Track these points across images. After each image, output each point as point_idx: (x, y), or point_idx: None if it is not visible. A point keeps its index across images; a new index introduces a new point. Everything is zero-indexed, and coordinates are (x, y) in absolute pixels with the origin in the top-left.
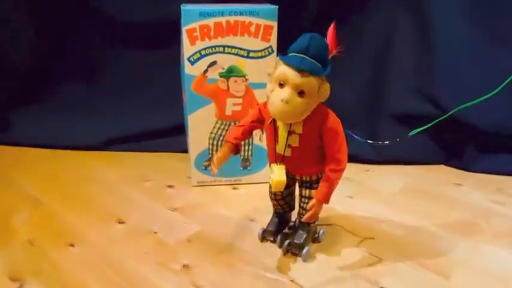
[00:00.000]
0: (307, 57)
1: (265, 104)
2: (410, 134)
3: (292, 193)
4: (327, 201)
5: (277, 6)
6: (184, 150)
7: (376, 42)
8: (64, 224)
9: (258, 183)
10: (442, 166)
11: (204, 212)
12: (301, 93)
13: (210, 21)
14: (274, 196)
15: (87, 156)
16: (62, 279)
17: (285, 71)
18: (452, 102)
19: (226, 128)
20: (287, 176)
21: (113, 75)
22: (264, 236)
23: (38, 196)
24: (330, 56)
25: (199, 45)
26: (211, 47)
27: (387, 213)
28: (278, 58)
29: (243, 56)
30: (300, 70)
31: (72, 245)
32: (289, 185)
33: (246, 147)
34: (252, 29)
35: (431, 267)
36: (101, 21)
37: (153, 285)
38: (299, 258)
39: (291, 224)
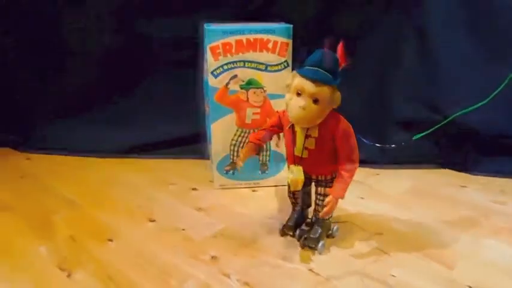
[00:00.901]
0: (320, 70)
1: (284, 111)
2: (414, 138)
3: (309, 192)
4: (342, 197)
5: (291, 25)
6: (203, 157)
7: (381, 55)
8: (100, 223)
9: (275, 186)
10: (447, 169)
11: (227, 212)
12: (315, 101)
13: (232, 39)
14: (292, 194)
15: (113, 163)
16: (105, 269)
17: (301, 82)
18: (454, 110)
19: (246, 135)
20: (304, 175)
21: (137, 89)
22: (284, 231)
23: (74, 199)
24: (340, 68)
25: (222, 60)
26: (232, 62)
27: (395, 211)
28: (295, 71)
29: (261, 70)
30: (314, 81)
31: (110, 240)
32: (306, 184)
33: (264, 153)
34: (270, 45)
35: (436, 259)
36: (131, 38)
37: (186, 273)
38: (315, 251)
39: (308, 220)
